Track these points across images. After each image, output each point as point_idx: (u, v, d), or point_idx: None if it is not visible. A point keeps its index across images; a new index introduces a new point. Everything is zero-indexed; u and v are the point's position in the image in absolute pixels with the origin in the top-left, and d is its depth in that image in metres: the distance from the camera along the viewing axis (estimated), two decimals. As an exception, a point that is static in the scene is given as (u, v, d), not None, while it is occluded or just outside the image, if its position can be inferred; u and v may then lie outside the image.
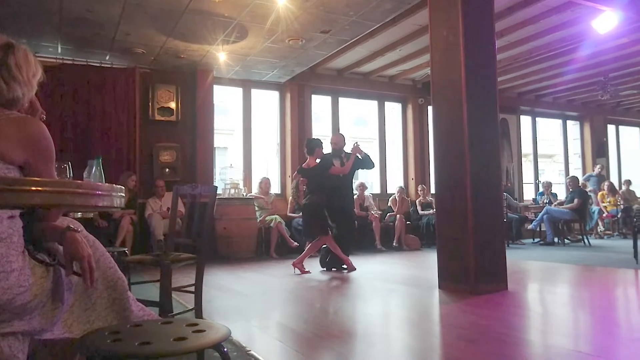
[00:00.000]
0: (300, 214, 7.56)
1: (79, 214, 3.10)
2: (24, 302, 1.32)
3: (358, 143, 5.83)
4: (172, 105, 7.39)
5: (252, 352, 2.48)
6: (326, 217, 5.61)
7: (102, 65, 6.97)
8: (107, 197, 0.99)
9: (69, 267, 1.43)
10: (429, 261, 6.01)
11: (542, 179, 10.95)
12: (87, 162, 2.24)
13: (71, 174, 1.91)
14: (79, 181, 1.01)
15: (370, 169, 6.06)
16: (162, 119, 7.35)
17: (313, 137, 6.55)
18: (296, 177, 6.03)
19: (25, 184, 0.83)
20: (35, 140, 1.38)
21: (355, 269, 5.56)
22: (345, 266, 5.62)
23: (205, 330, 1.25)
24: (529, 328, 3.15)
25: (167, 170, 7.31)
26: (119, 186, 1.12)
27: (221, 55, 6.71)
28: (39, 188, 0.81)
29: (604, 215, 10.25)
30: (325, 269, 5.73)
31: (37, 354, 1.53)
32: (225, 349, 1.22)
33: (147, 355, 1.08)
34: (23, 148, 1.34)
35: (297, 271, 5.50)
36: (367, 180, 9.72)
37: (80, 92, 6.75)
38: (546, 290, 4.56)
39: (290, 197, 7.96)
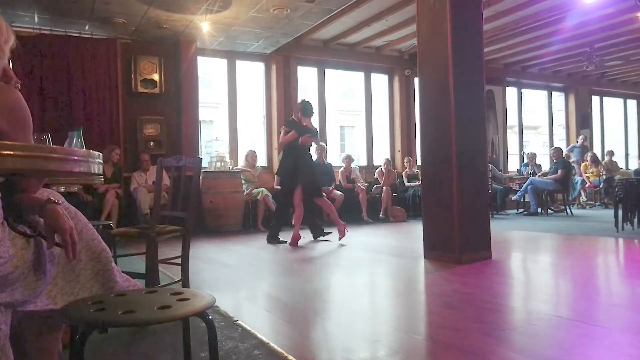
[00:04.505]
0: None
1: (63, 187, 3.05)
2: (5, 274, 1.30)
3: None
4: (156, 77, 7.24)
5: (239, 321, 2.50)
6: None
7: (82, 35, 6.78)
8: (83, 163, 0.96)
9: (51, 240, 1.41)
10: (414, 232, 6.07)
11: (527, 150, 11.04)
12: (68, 135, 2.19)
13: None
14: (54, 146, 0.98)
15: None
16: (146, 91, 7.21)
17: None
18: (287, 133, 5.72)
19: (-4, 148, 0.80)
20: (10, 108, 1.34)
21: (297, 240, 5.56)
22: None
23: (189, 299, 1.24)
24: (511, 295, 3.22)
25: (151, 143, 7.22)
26: (96, 152, 1.09)
27: (204, 25, 6.55)
28: (11, 152, 0.78)
29: (587, 185, 10.40)
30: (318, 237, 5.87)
31: (21, 325, 1.52)
32: (210, 317, 1.22)
33: (131, 323, 1.08)
34: (-3, 116, 1.30)
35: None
36: (353, 152, 9.72)
37: (59, 64, 6.57)
38: (529, 259, 4.65)
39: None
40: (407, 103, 9.57)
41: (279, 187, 6.07)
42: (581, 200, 10.55)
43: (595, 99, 12.49)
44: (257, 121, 9.50)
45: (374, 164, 9.31)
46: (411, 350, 2.12)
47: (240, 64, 8.30)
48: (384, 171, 8.63)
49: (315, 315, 2.78)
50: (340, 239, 5.62)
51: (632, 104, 13.18)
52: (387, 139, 9.70)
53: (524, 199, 9.16)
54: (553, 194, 9.33)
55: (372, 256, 4.84)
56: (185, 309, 1.17)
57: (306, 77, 9.08)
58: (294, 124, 5.70)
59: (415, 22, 4.57)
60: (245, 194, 7.35)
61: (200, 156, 7.48)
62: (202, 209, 7.00)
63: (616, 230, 5.82)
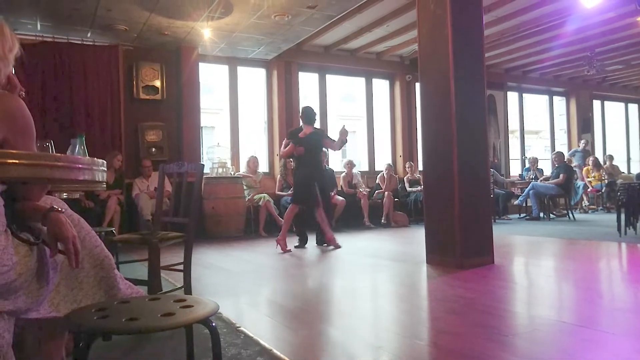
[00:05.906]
0: (289, 192, 7.60)
1: (65, 194, 3.06)
2: (8, 281, 1.30)
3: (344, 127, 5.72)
4: (157, 83, 7.27)
5: (241, 328, 2.50)
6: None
7: (84, 42, 6.81)
8: (87, 171, 0.97)
9: (54, 248, 1.41)
10: (416, 237, 6.06)
11: (529, 154, 11.04)
12: (71, 141, 2.20)
13: (54, 153, 1.87)
14: (58, 154, 0.99)
15: None
16: (147, 97, 7.24)
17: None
18: (287, 143, 5.73)
19: (1, 157, 0.80)
20: (13, 116, 1.34)
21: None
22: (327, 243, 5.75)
23: (193, 306, 1.24)
24: (514, 300, 3.21)
25: (153, 149, 7.24)
26: (101, 160, 1.09)
27: (206, 31, 6.59)
28: (16, 161, 0.78)
29: (589, 190, 10.40)
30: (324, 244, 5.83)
31: (24, 333, 1.52)
32: (214, 324, 1.22)
33: (135, 331, 1.08)
34: (1, 124, 1.30)
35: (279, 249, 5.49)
36: (355, 157, 9.72)
37: (61, 71, 6.61)
38: (531, 264, 4.64)
39: (279, 176, 7.95)
40: (408, 108, 9.58)
41: (296, 195, 5.81)
42: (583, 205, 10.53)
43: (597, 104, 12.50)
44: (258, 127, 9.52)
45: (376, 169, 9.31)
46: (414, 355, 2.12)
47: (241, 70, 8.33)
48: (385, 176, 8.63)
49: (317, 321, 2.77)
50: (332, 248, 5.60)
51: (633, 108, 13.18)
52: (389, 144, 9.71)
53: (526, 204, 9.15)
54: (555, 199, 9.32)
55: (374, 261, 4.83)
56: (189, 316, 1.17)
57: (307, 83, 9.11)
58: (295, 134, 5.71)
59: (416, 27, 4.59)
60: (246, 199, 7.35)
61: (201, 162, 7.50)
62: (204, 214, 7.00)
63: (619, 235, 5.81)
